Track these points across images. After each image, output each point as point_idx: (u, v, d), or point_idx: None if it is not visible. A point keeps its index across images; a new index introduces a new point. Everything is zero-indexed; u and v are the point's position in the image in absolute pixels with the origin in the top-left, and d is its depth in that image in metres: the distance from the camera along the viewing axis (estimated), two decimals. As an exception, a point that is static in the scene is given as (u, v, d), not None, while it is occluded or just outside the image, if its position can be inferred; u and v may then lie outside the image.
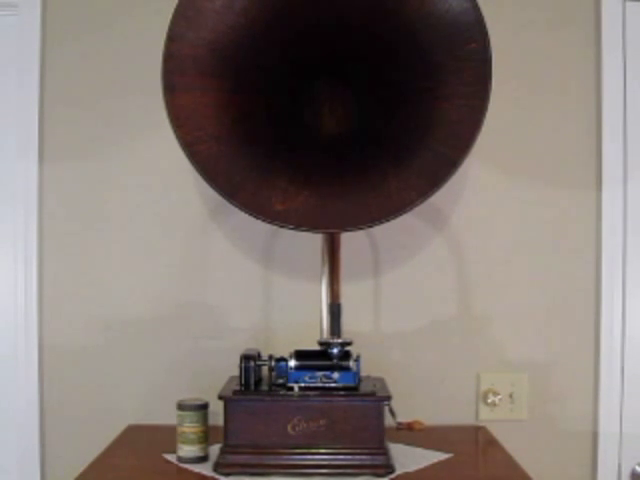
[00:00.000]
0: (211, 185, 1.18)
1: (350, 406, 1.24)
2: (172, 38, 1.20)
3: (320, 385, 1.26)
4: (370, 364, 1.40)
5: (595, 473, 1.58)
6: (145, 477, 1.26)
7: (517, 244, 1.60)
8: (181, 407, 1.32)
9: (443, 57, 1.21)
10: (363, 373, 1.31)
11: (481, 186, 1.59)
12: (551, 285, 1.60)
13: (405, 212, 1.18)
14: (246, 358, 1.28)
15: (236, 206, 1.18)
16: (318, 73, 1.36)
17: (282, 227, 1.19)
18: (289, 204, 1.19)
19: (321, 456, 1.23)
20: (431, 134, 1.22)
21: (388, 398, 1.25)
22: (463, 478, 1.27)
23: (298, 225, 1.18)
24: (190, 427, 1.30)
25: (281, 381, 1.28)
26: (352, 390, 1.25)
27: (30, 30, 1.57)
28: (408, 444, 1.39)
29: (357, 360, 1.27)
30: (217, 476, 1.22)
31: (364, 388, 1.27)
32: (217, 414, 1.35)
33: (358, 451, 1.23)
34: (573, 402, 1.59)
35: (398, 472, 1.23)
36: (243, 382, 1.27)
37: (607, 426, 1.57)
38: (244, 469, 1.23)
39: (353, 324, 1.46)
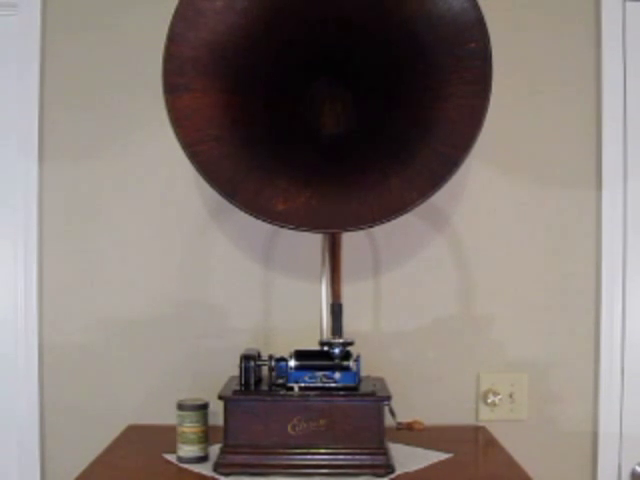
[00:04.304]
0: (212, 185, 1.18)
1: (350, 406, 1.24)
2: (172, 39, 1.20)
3: (320, 385, 1.26)
4: (370, 364, 1.40)
5: (595, 473, 1.58)
6: (145, 477, 1.26)
7: (517, 244, 1.60)
8: (181, 407, 1.32)
9: (443, 56, 1.21)
10: (363, 373, 1.31)
11: (481, 186, 1.60)
12: (551, 285, 1.60)
13: (406, 212, 1.18)
14: (246, 358, 1.28)
15: (237, 206, 1.18)
16: (318, 73, 1.36)
17: (283, 227, 1.19)
18: (290, 204, 1.19)
19: (321, 456, 1.23)
20: (431, 134, 1.22)
21: (388, 398, 1.25)
22: (463, 478, 1.27)
23: (299, 225, 1.18)
24: (190, 427, 1.30)
25: (281, 381, 1.28)
26: (352, 390, 1.25)
27: (30, 30, 1.56)
28: (408, 444, 1.39)
29: (357, 360, 1.27)
30: (217, 476, 1.22)
31: (364, 388, 1.27)
32: (217, 414, 1.35)
33: (358, 451, 1.23)
34: (573, 402, 1.59)
35: (398, 472, 1.23)
36: (243, 382, 1.27)
37: (607, 426, 1.57)
38: (244, 469, 1.23)
39: (353, 324, 1.46)
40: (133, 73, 1.58)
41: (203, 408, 1.32)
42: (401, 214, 1.18)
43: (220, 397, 1.25)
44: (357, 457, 1.23)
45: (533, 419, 1.59)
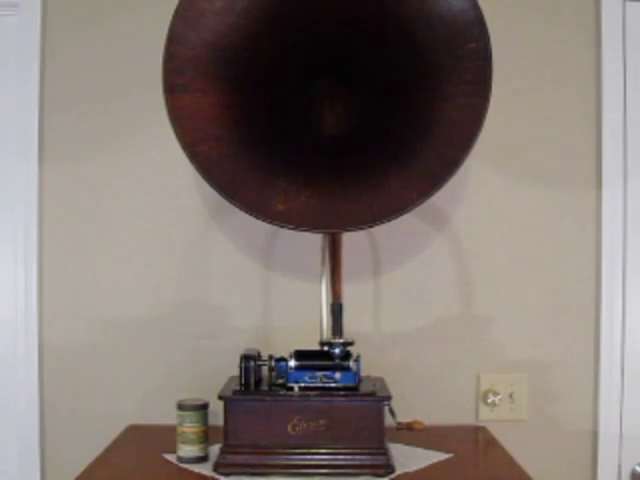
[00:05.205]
0: (212, 185, 1.18)
1: (350, 406, 1.24)
2: (172, 39, 1.20)
3: (320, 385, 1.26)
4: (370, 364, 1.40)
5: (595, 473, 1.58)
6: (145, 477, 1.26)
7: (517, 244, 1.60)
8: (181, 407, 1.32)
9: (443, 56, 1.21)
10: (363, 373, 1.31)
11: (481, 186, 1.60)
12: (551, 285, 1.60)
13: (406, 212, 1.18)
14: (246, 358, 1.28)
15: (237, 206, 1.18)
16: (318, 73, 1.36)
17: (283, 227, 1.19)
18: (290, 204, 1.19)
19: (321, 456, 1.23)
20: (432, 133, 1.22)
21: (388, 398, 1.25)
22: (463, 478, 1.27)
23: (299, 225, 1.18)
24: (190, 427, 1.30)
25: (281, 381, 1.28)
26: (352, 390, 1.25)
27: (30, 30, 1.56)
28: (408, 444, 1.39)
29: (357, 360, 1.27)
30: (217, 476, 1.22)
31: (364, 388, 1.27)
32: (217, 414, 1.35)
33: (358, 451, 1.23)
34: (573, 402, 1.59)
35: (398, 472, 1.23)
36: (243, 382, 1.27)
37: (607, 426, 1.57)
38: (244, 469, 1.23)
39: (353, 324, 1.46)
40: (133, 73, 1.58)
41: (203, 408, 1.32)
42: (401, 214, 1.18)
43: (220, 397, 1.25)
44: (357, 457, 1.23)
45: (533, 419, 1.59)
